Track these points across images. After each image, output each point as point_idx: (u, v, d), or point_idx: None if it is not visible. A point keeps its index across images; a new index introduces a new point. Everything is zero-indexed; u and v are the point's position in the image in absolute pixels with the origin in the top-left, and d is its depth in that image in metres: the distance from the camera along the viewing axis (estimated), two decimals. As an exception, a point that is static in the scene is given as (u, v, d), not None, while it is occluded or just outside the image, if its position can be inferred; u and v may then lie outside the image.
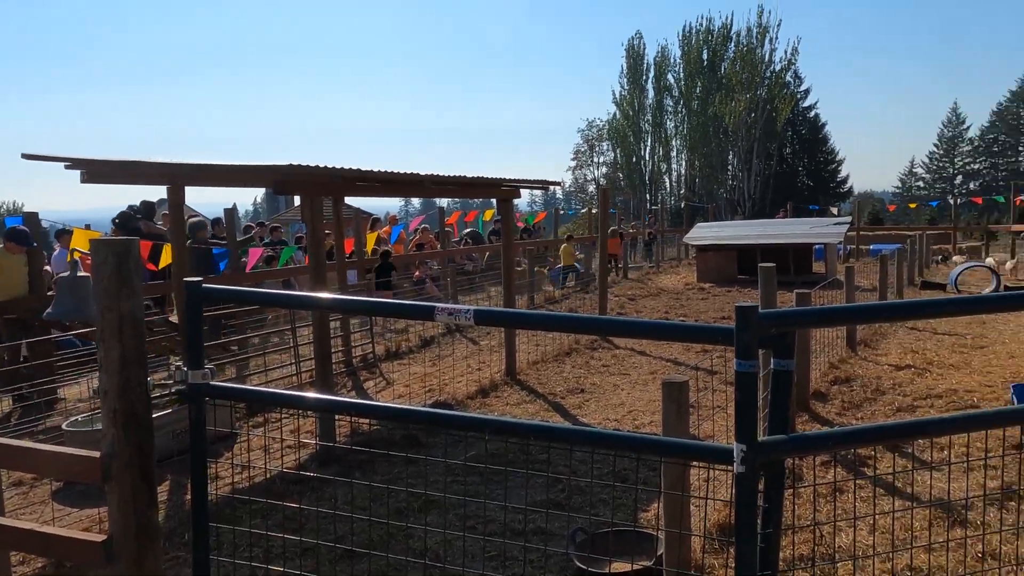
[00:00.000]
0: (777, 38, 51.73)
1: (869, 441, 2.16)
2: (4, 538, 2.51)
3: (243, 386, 5.72)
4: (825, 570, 3.77)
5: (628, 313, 12.87)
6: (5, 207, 69.89)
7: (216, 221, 12.38)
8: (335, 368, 8.69)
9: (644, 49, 55.27)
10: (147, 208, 11.09)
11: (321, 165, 5.18)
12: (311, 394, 4.69)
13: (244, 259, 11.29)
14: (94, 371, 6.64)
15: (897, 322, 9.57)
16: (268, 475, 5.52)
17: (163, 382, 3.24)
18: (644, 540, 4.01)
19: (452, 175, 6.85)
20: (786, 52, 53.40)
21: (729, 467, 2.09)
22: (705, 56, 53.02)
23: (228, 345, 8.76)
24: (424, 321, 11.40)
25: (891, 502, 4.47)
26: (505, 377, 8.31)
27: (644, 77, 55.38)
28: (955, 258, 21.67)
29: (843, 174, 59.61)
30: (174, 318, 7.31)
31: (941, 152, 69.50)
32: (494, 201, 14.04)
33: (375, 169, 5.73)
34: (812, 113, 58.96)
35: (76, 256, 6.89)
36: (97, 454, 2.32)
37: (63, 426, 5.90)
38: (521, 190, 8.57)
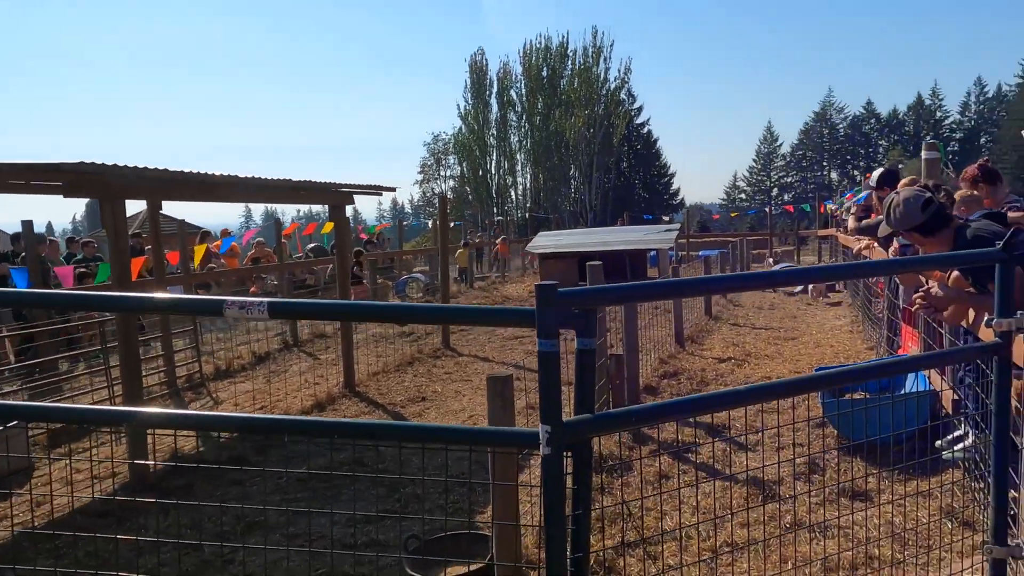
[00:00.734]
0: (611, 58, 54.49)
1: (666, 415, 2.21)
2: None
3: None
4: (653, 551, 3.87)
5: (473, 321, 12.88)
6: None
7: (16, 237, 11.12)
8: (158, 390, 8.03)
9: (487, 65, 56.28)
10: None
11: (120, 164, 4.72)
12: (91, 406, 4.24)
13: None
14: None
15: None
16: (72, 508, 4.95)
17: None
18: (479, 542, 3.94)
19: (277, 178, 6.51)
20: (619, 71, 56.22)
21: (537, 451, 2.05)
22: (545, 73, 54.77)
23: (32, 368, 7.83)
24: (256, 337, 10.82)
25: (712, 484, 4.69)
26: (344, 390, 8.02)
27: (488, 92, 56.33)
28: (768, 260, 23.61)
29: (675, 186, 63.76)
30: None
31: (759, 167, 75.86)
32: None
33: (187, 170, 5.31)
34: (645, 129, 62.65)
35: None
36: None
37: None
38: (355, 196, 8.33)
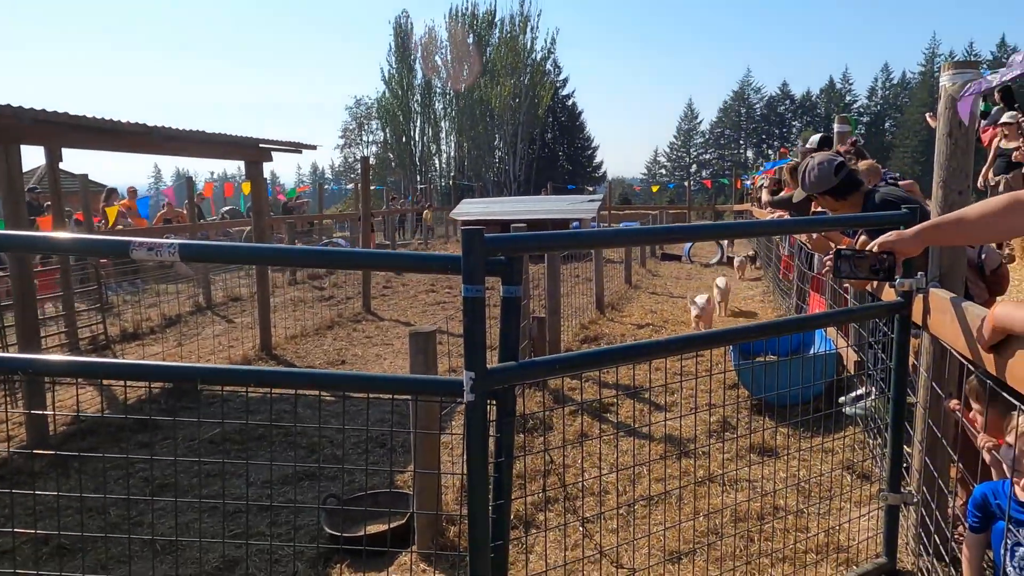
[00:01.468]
0: (538, 27, 54.28)
1: (586, 365, 2.23)
2: None
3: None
4: (572, 505, 3.94)
5: (395, 287, 12.73)
6: None
7: None
8: (58, 352, 7.60)
9: (412, 28, 55.09)
10: None
11: (8, 103, 4.37)
12: None
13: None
14: None
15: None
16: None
17: None
18: (399, 500, 3.92)
19: (189, 129, 6.19)
20: (546, 42, 56.22)
21: (461, 399, 2.03)
22: (471, 40, 54.06)
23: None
24: (167, 298, 10.38)
25: (631, 442, 4.80)
26: (260, 353, 7.80)
27: (412, 57, 55.22)
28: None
29: (598, 159, 64.46)
30: None
31: (680, 143, 77.48)
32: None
33: (90, 115, 4.97)
34: (570, 102, 62.89)
35: None
36: None
37: None
38: (273, 155, 8.02)
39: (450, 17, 54.26)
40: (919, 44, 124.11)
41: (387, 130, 57.69)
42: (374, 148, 62.77)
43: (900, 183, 5.13)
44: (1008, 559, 1.98)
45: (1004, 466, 1.99)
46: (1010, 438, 1.92)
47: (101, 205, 13.39)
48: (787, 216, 7.39)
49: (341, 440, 5.06)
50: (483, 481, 2.03)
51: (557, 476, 4.36)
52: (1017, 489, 1.91)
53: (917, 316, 2.84)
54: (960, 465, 2.59)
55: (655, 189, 35.67)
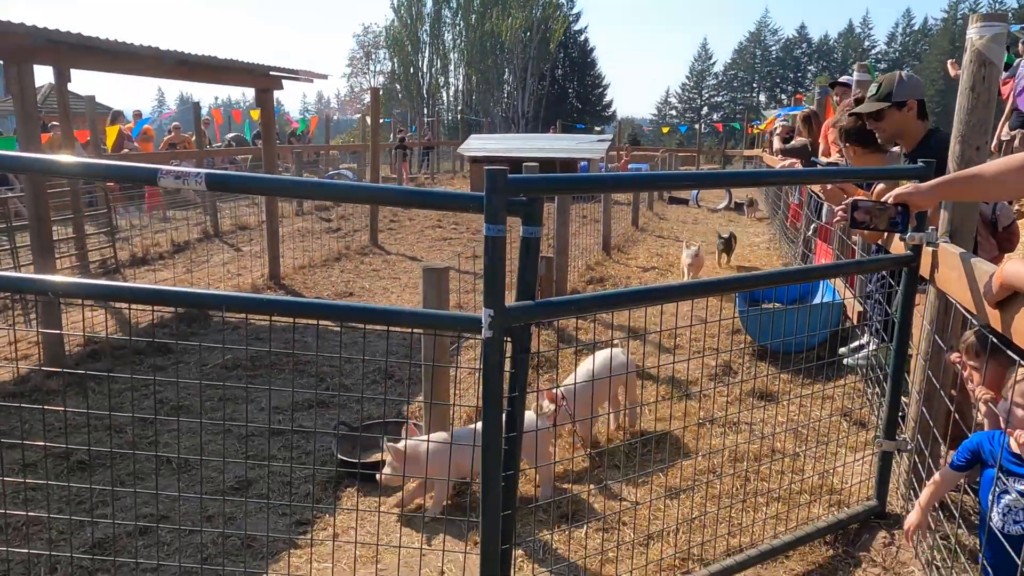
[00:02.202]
0: (552, -43, 52.54)
1: (601, 306, 2.29)
2: None
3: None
4: (577, 442, 4.07)
5: (401, 221, 12.74)
6: None
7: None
8: (69, 274, 7.68)
9: (423, -48, 53.43)
10: None
11: (22, 22, 4.32)
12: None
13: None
14: None
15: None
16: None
17: None
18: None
19: (200, 54, 6.12)
20: (560, -29, 54.45)
21: (478, 335, 2.10)
22: (483, -32, 52.51)
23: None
24: (175, 224, 10.41)
25: (638, 383, 4.90)
26: (269, 282, 7.88)
27: (423, -17, 53.74)
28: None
29: (608, 98, 63.31)
30: None
31: (692, 84, 76.00)
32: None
33: (100, 36, 4.91)
34: (582, 37, 61.49)
35: None
36: None
37: None
38: (284, 82, 7.93)
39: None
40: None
41: (395, 60, 56.54)
42: (381, 79, 61.58)
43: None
44: (994, 505, 2.07)
45: (1000, 419, 2.06)
46: (1008, 392, 1.99)
47: (106, 128, 13.29)
48: (799, 165, 7.35)
49: (350, 370, 5.18)
50: (497, 415, 2.12)
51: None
52: (1012, 441, 1.98)
53: (925, 270, 2.88)
54: (956, 416, 2.68)
55: (665, 131, 35.16)
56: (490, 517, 2.16)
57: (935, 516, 2.91)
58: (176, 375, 4.94)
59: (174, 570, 2.89)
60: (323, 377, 5.07)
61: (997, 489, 2.07)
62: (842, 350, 4.96)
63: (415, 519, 3.31)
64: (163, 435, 4.15)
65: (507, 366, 2.17)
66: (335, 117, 37.67)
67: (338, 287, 7.93)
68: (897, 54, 70.26)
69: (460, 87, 56.61)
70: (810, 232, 7.08)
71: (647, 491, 3.53)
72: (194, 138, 14.52)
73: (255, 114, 17.50)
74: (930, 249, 2.81)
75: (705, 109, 74.98)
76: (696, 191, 17.28)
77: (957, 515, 2.77)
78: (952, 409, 2.70)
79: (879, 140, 3.92)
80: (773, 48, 73.85)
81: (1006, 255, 3.59)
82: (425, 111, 53.47)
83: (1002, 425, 2.05)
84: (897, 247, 3.16)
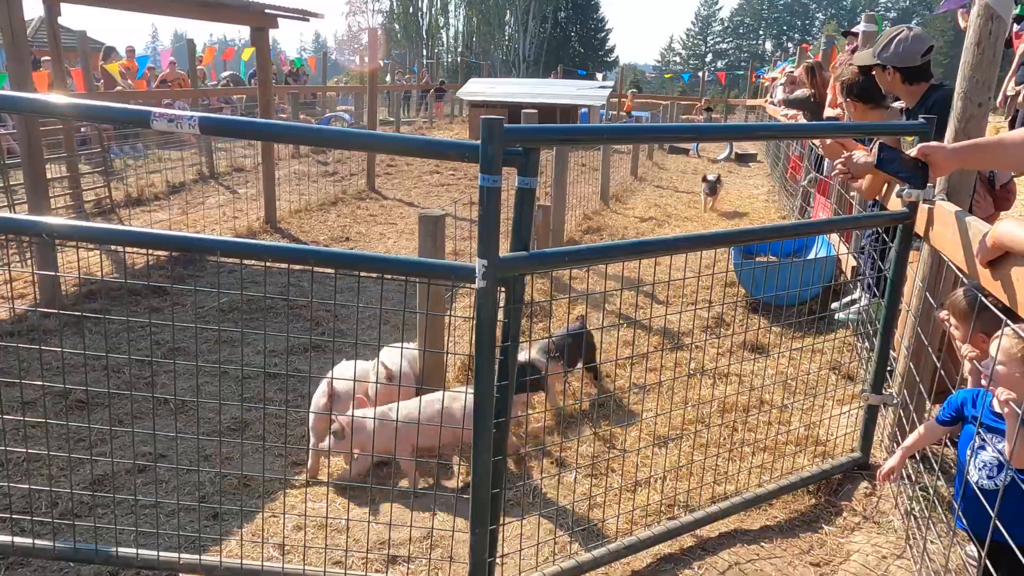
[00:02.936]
0: None
1: (596, 258, 2.30)
2: None
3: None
4: (573, 388, 4.13)
5: (399, 166, 12.63)
6: None
7: None
8: (64, 213, 7.64)
9: None
10: None
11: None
12: None
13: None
14: None
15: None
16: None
17: None
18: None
19: (194, -9, 5.98)
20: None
21: (472, 285, 2.11)
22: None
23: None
24: (170, 165, 10.32)
25: (629, 332, 4.95)
26: (265, 226, 7.86)
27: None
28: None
29: (611, 43, 62.11)
30: None
31: (696, 31, 74.49)
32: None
33: (92, -30, 4.79)
34: (586, -23, 59.91)
35: None
36: None
37: None
38: (279, 20, 7.77)
39: None
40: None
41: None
42: (380, 18, 60.19)
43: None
44: (972, 459, 2.13)
45: (983, 377, 2.10)
46: (993, 350, 2.02)
47: (100, 63, 13.03)
48: (801, 116, 7.27)
49: (346, 315, 5.21)
50: (490, 364, 2.14)
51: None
52: (994, 399, 2.02)
53: (921, 227, 2.89)
54: (942, 372, 2.72)
55: (668, 77, 34.60)
56: (481, 462, 2.21)
57: (915, 467, 2.98)
58: (172, 316, 4.96)
59: (172, 507, 2.96)
60: (319, 321, 5.10)
61: (976, 443, 2.12)
62: (834, 305, 5.00)
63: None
64: (160, 376, 4.20)
65: (501, 315, 2.19)
66: (332, 57, 36.92)
67: (335, 232, 7.91)
68: (908, 2, 68.72)
69: (460, 28, 55.48)
70: (806, 182, 7.05)
71: (636, 438, 3.60)
72: (189, 76, 14.28)
73: (247, 53, 17.13)
74: (926, 207, 2.81)
75: (710, 56, 73.67)
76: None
77: (936, 467, 2.83)
78: (938, 366, 2.73)
79: (882, 91, 3.88)
80: (781, -7, 72.28)
81: (1001, 213, 3.60)
82: (424, 53, 52.43)
83: (984, 383, 2.08)
84: (894, 204, 3.15)
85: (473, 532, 2.27)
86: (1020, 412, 1.82)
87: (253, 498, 3.09)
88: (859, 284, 4.79)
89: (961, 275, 2.48)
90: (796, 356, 4.45)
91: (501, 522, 2.39)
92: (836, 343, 4.62)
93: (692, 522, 2.85)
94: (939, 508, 2.72)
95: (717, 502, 2.98)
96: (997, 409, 2.02)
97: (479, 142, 2.00)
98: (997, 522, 1.83)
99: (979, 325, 2.27)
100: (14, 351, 4.05)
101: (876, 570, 2.66)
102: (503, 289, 2.16)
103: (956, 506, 2.22)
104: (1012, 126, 9.04)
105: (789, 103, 8.04)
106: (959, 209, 2.62)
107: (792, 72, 10.93)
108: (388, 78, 26.42)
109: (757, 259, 5.78)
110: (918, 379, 2.99)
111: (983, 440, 2.10)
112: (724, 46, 74.53)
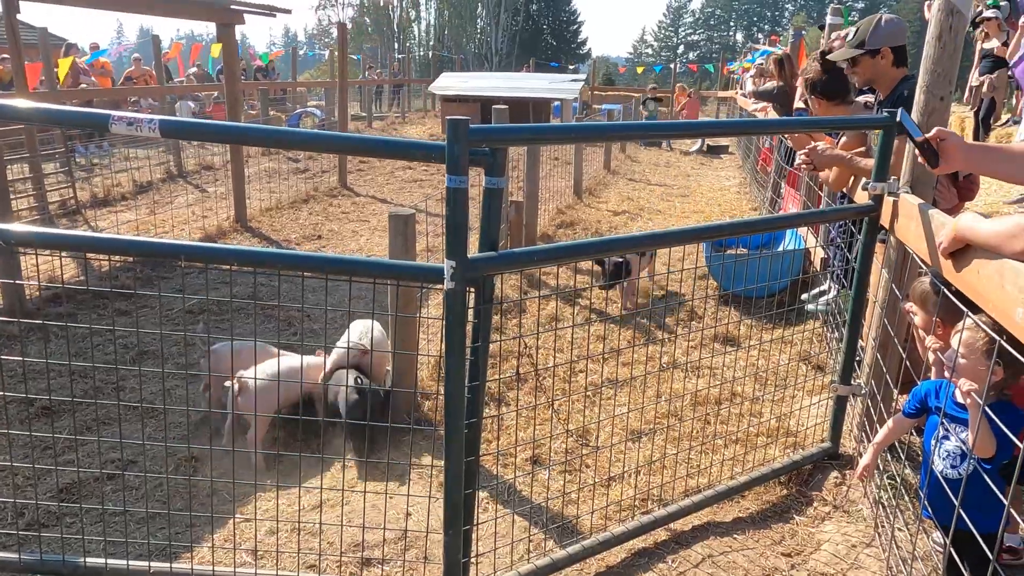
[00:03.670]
0: None
1: (567, 256, 2.29)
2: None
3: None
4: (542, 387, 4.14)
5: (371, 162, 12.54)
6: None
7: None
8: (27, 215, 7.49)
9: None
10: None
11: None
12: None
13: None
14: None
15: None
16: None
17: None
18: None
19: (156, -13, 5.87)
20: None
21: (441, 286, 2.10)
22: None
23: None
24: (137, 164, 10.15)
25: (600, 327, 4.97)
26: (235, 225, 7.76)
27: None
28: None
29: (583, 36, 62.18)
30: None
31: (668, 22, 74.81)
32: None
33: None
34: (558, -30, 59.85)
35: None
36: None
37: None
38: (246, 16, 7.65)
39: None
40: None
41: (365, -8, 54.70)
42: (350, 12, 59.60)
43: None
44: (936, 449, 2.16)
45: (945, 368, 2.13)
46: (954, 341, 2.05)
47: (59, 60, 12.75)
48: (771, 108, 7.33)
49: (317, 315, 5.16)
50: (460, 365, 2.13)
51: (529, 358, 4.53)
52: (956, 390, 2.06)
53: (886, 220, 2.93)
54: (907, 363, 2.76)
55: (640, 70, 34.72)
56: (453, 462, 2.20)
57: (883, 456, 3.02)
58: (138, 320, 4.88)
59: (141, 515, 2.92)
60: (291, 322, 5.06)
61: (939, 434, 2.16)
62: (804, 296, 5.06)
63: (380, 465, 3.36)
64: (128, 380, 4.13)
65: (471, 316, 2.18)
66: (302, 52, 36.48)
67: (306, 230, 7.84)
68: (875, -7, 69.56)
69: (432, 21, 55.15)
70: (770, 169, 7.11)
71: (609, 434, 3.61)
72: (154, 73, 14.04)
73: (215, 49, 16.86)
74: (891, 199, 2.85)
75: (681, 48, 74.02)
76: (669, 133, 17.18)
77: (903, 457, 2.88)
78: (904, 356, 2.77)
79: (856, 84, 3.91)
80: (751, -15, 72.77)
81: (964, 204, 3.65)
82: (396, 47, 52.05)
83: (947, 375, 2.12)
84: (861, 197, 3.19)
85: (447, 533, 2.27)
86: (982, 403, 1.86)
87: (224, 503, 3.05)
88: (828, 276, 4.85)
89: (925, 267, 2.51)
90: (767, 348, 4.50)
91: (475, 522, 2.38)
92: (806, 335, 4.68)
93: (666, 516, 2.87)
94: (907, 497, 2.76)
95: (690, 495, 3.00)
96: (960, 400, 2.05)
97: (445, 143, 1.99)
98: (961, 511, 1.86)
99: (941, 315, 2.30)
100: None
101: (846, 559, 2.70)
102: (473, 289, 2.16)
103: (922, 495, 2.25)
104: (977, 116, 9.21)
105: (759, 95, 8.10)
106: (923, 202, 2.66)
107: (762, 64, 11.02)
108: (365, 74, 26.17)
109: (727, 252, 5.82)
110: (885, 369, 3.03)
111: (946, 430, 2.13)
112: (695, 38, 74.94)
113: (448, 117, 1.95)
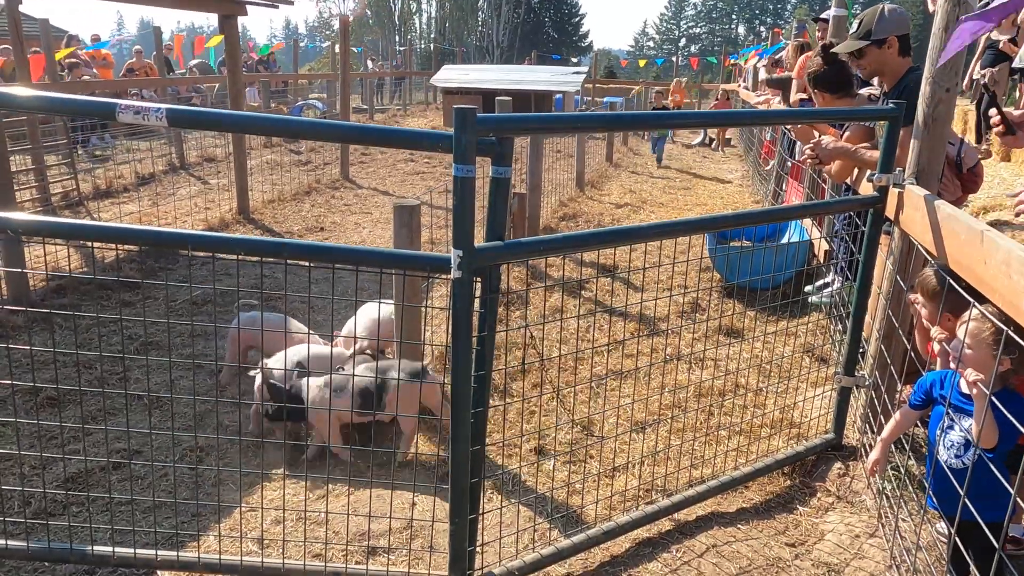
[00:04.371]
0: None
1: (571, 247, 2.30)
2: None
3: None
4: (546, 376, 4.14)
5: (373, 154, 12.53)
6: None
7: None
8: (30, 206, 7.49)
9: None
10: None
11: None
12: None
13: None
14: None
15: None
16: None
17: None
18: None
19: (159, -22, 5.85)
20: None
21: (448, 275, 2.10)
22: None
23: None
24: (139, 156, 10.14)
25: (605, 319, 4.97)
26: (238, 216, 7.76)
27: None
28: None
29: (584, 28, 61.98)
30: None
31: (670, 15, 74.56)
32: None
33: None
34: (559, -38, 59.60)
35: None
36: None
37: None
38: (248, 7, 7.64)
39: None
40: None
41: (365, -16, 54.46)
42: (351, 4, 59.39)
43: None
44: (941, 439, 2.17)
45: (951, 359, 2.14)
46: (960, 332, 2.05)
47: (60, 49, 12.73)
48: (779, 98, 7.31)
49: (322, 305, 5.17)
50: (467, 354, 2.14)
51: (534, 349, 4.54)
52: (962, 380, 2.06)
53: (891, 211, 2.93)
54: (912, 354, 2.76)
55: (643, 63, 34.64)
56: (459, 452, 2.21)
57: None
58: (144, 310, 4.89)
59: (148, 504, 2.93)
60: (295, 313, 5.06)
61: (945, 424, 2.16)
62: (808, 288, 5.06)
63: (387, 454, 3.37)
64: (133, 371, 4.14)
65: (477, 305, 2.19)
66: (303, 44, 36.35)
67: (309, 222, 7.84)
68: (878, -14, 69.25)
69: (433, 14, 54.99)
70: (773, 165, 7.10)
71: (614, 425, 3.62)
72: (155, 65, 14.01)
73: (215, 40, 16.83)
74: (896, 190, 2.85)
75: (683, 41, 73.79)
76: (671, 126, 17.14)
77: (907, 447, 2.89)
78: (909, 348, 2.78)
79: (862, 76, 3.90)
80: (753, -23, 72.46)
81: (969, 196, 3.65)
82: (397, 39, 51.88)
83: (952, 365, 2.12)
84: (866, 188, 3.19)
85: (452, 522, 2.28)
86: (988, 393, 1.86)
87: (230, 492, 3.07)
88: (832, 267, 4.85)
89: (930, 258, 2.52)
90: (771, 340, 4.50)
91: (480, 511, 2.39)
92: (809, 326, 4.68)
93: (670, 506, 2.88)
94: (910, 487, 2.77)
95: (694, 486, 3.01)
96: (965, 390, 2.06)
97: (452, 132, 1.99)
98: (966, 500, 1.87)
99: (947, 305, 2.30)
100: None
101: (849, 549, 2.71)
102: (479, 279, 2.16)
103: (927, 485, 2.26)
104: (979, 108, 9.19)
105: (771, 83, 8.08)
106: (928, 193, 2.66)
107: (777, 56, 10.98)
108: (367, 64, 26.12)
109: (731, 244, 5.82)
110: (889, 361, 3.04)
111: (951, 420, 2.14)
112: (697, 30, 74.67)
113: (456, 106, 1.95)
